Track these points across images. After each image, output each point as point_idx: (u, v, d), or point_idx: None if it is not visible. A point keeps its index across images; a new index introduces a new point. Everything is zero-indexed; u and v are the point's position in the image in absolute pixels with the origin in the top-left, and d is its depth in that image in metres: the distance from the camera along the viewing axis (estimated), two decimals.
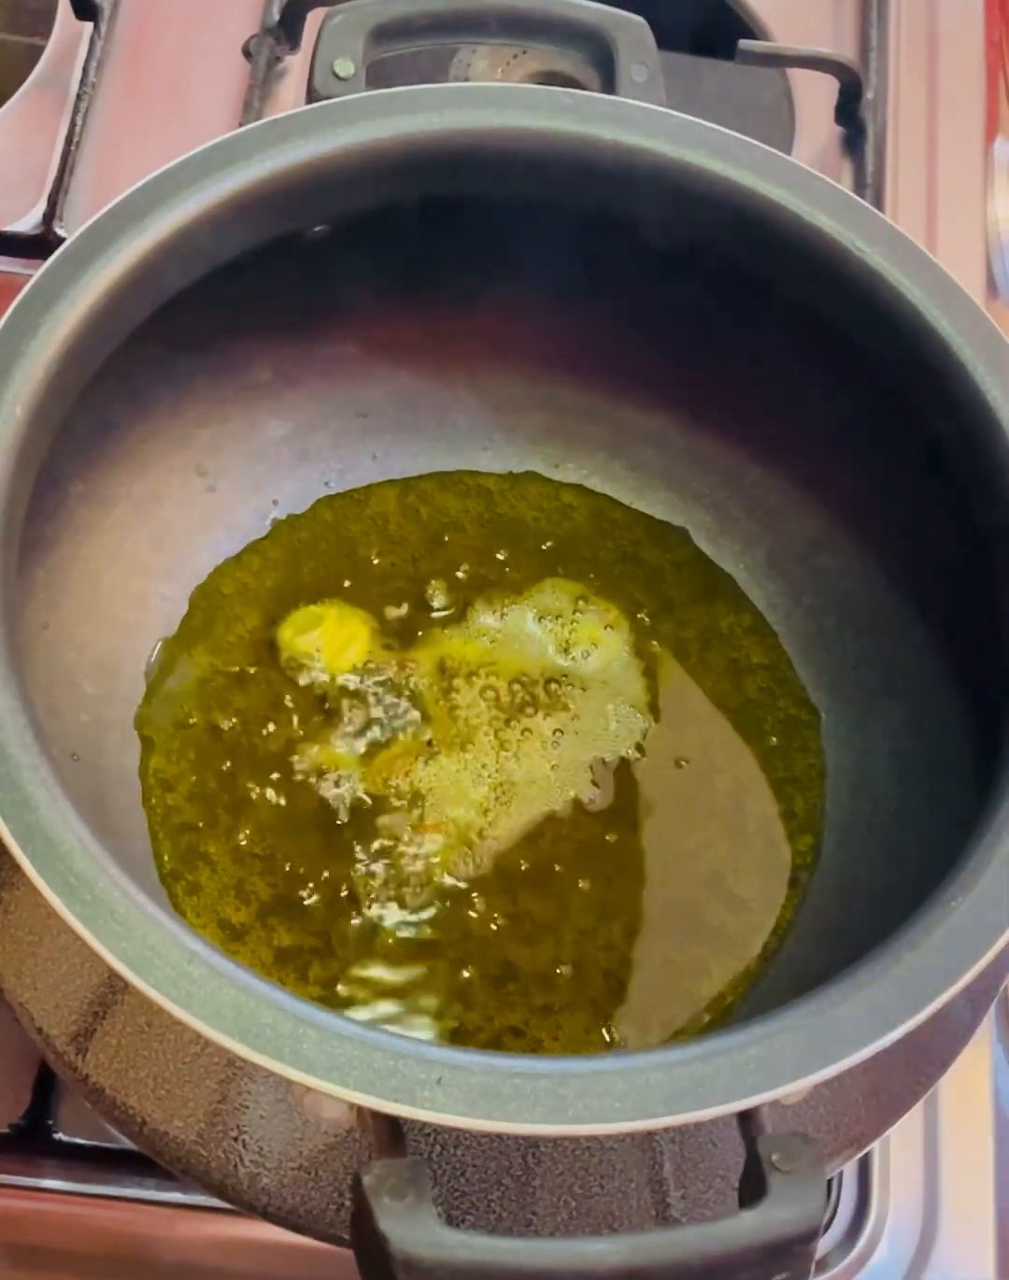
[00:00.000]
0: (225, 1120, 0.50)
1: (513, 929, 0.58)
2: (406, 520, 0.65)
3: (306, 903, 0.58)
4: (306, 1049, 0.41)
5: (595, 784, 0.61)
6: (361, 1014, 0.56)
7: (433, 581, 0.64)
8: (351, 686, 0.62)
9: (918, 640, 0.59)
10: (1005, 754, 0.48)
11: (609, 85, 0.56)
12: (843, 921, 0.57)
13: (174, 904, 0.58)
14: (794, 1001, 0.44)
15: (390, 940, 0.58)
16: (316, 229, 0.56)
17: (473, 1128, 0.41)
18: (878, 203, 0.76)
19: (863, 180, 0.77)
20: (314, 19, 0.75)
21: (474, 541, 0.65)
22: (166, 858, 0.59)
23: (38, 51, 0.77)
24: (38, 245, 0.71)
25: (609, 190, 0.55)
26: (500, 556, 0.65)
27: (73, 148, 0.74)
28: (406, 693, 0.62)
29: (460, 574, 0.64)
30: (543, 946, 0.58)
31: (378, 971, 0.57)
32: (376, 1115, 0.42)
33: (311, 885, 0.58)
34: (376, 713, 0.61)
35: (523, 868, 0.59)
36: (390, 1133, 0.42)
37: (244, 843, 0.59)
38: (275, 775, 0.60)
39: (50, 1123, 0.59)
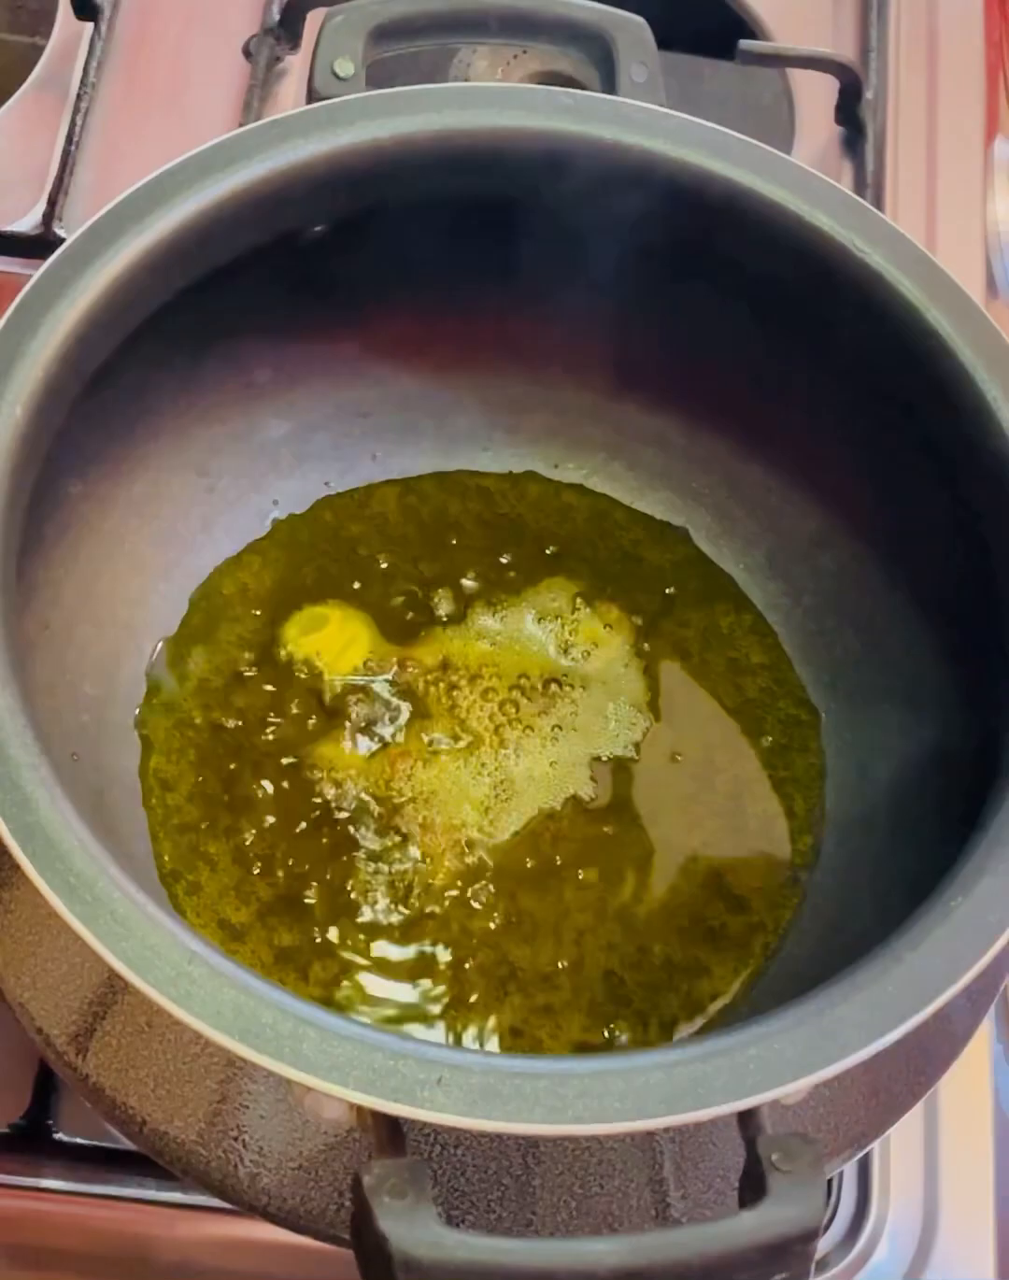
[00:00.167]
0: (225, 1120, 0.50)
1: (513, 929, 0.58)
2: (406, 520, 0.65)
3: (307, 903, 0.58)
4: (306, 1049, 0.41)
5: (595, 783, 0.61)
6: (362, 1014, 0.56)
7: (433, 582, 0.64)
8: (352, 686, 0.62)
9: (918, 640, 0.59)
10: (1005, 754, 0.48)
11: (609, 85, 0.56)
12: (843, 921, 0.57)
13: (174, 904, 0.58)
14: (794, 1001, 0.44)
15: (390, 940, 0.58)
16: (316, 229, 0.56)
17: (473, 1128, 0.41)
18: (878, 203, 0.76)
19: (863, 180, 0.77)
20: (314, 19, 0.75)
21: (474, 541, 0.65)
22: (166, 858, 0.59)
23: (38, 51, 0.77)
24: (38, 245, 0.71)
25: (609, 190, 0.55)
26: (500, 557, 0.65)
27: (73, 148, 0.74)
28: (407, 693, 0.62)
29: (460, 574, 0.64)
30: (543, 946, 0.58)
31: (378, 971, 0.57)
32: (376, 1115, 0.42)
33: (312, 885, 0.58)
34: (377, 712, 0.61)
35: (523, 867, 0.59)
36: (390, 1133, 0.42)
37: (244, 843, 0.59)
38: (276, 775, 0.60)
39: (50, 1123, 0.59)
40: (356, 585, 0.64)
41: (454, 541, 0.65)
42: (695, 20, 0.79)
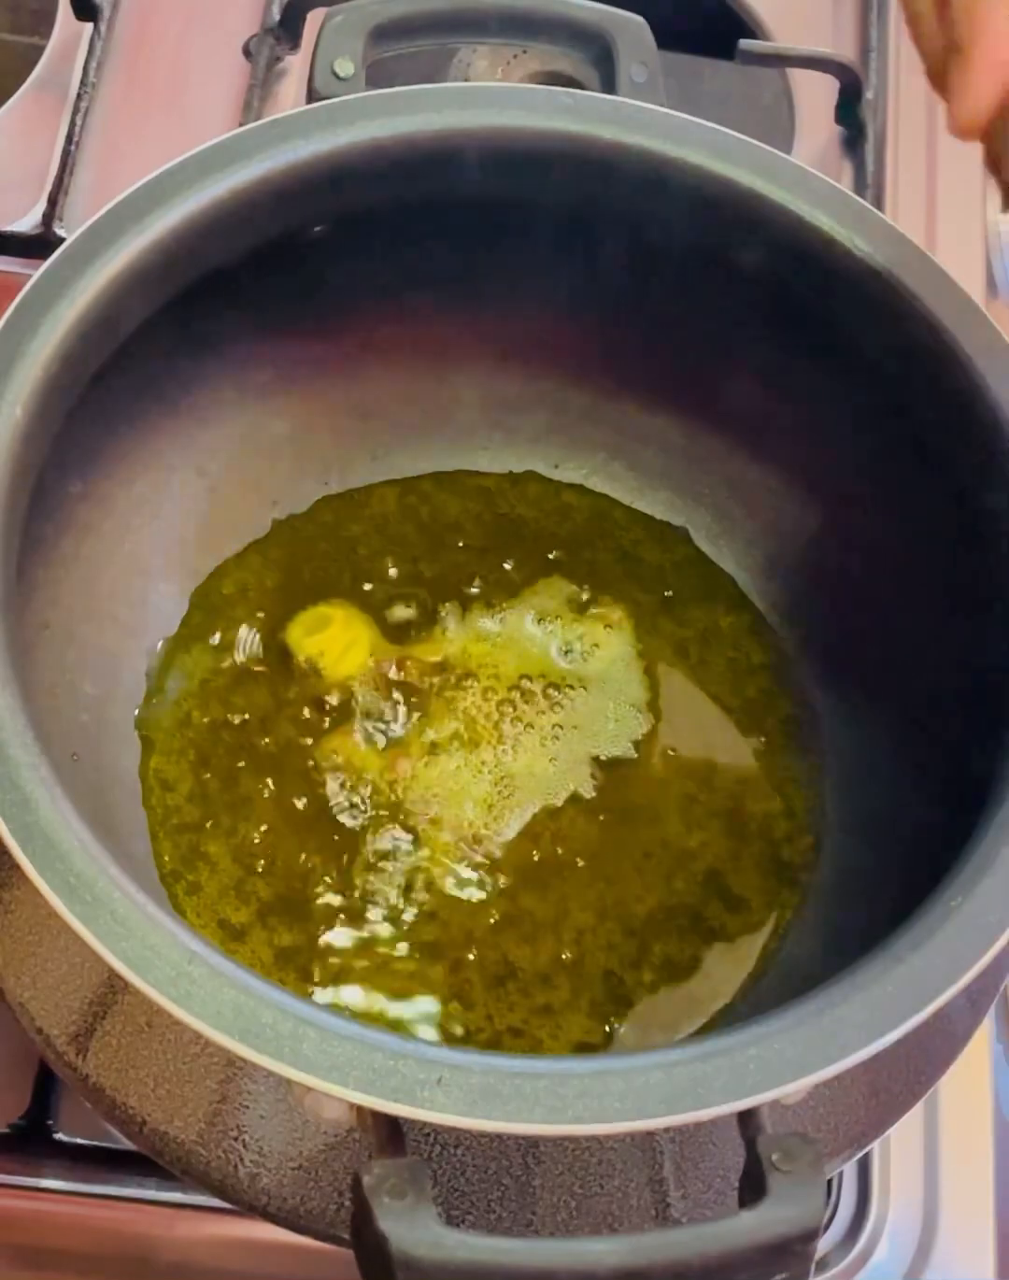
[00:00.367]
0: (225, 1120, 0.50)
1: (513, 928, 0.58)
2: (406, 520, 0.65)
3: (307, 903, 0.58)
4: (306, 1049, 0.41)
5: (596, 783, 0.61)
6: (362, 1014, 0.56)
7: (433, 582, 0.64)
8: (353, 686, 0.62)
9: (918, 640, 0.59)
10: (1005, 754, 0.48)
11: (609, 85, 0.56)
12: (843, 921, 0.57)
13: (174, 904, 0.58)
14: (794, 1001, 0.44)
15: (391, 940, 0.58)
16: (316, 229, 0.56)
17: (473, 1128, 0.41)
18: (878, 203, 0.76)
19: (863, 180, 0.77)
20: (314, 19, 0.75)
21: (474, 542, 0.65)
22: (166, 858, 0.59)
23: (38, 51, 0.77)
24: (38, 245, 0.72)
25: (609, 190, 0.55)
26: (500, 557, 0.65)
27: (73, 148, 0.74)
28: (408, 693, 0.62)
29: (461, 574, 0.64)
30: (543, 946, 0.58)
31: (378, 971, 0.57)
32: (376, 1115, 0.42)
33: (312, 885, 0.58)
34: (378, 712, 0.61)
35: (523, 867, 0.59)
36: (390, 1133, 0.42)
37: (244, 843, 0.59)
38: (276, 775, 0.60)
39: (50, 1123, 0.59)
40: (357, 585, 0.64)
41: (454, 542, 0.65)
42: (695, 20, 0.79)
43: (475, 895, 0.59)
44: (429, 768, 0.61)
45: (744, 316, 0.59)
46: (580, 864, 0.60)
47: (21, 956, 0.52)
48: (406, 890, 0.59)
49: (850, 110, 0.78)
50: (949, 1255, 0.59)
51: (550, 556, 0.65)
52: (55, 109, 0.75)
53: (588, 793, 0.61)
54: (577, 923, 0.59)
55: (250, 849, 0.59)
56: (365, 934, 0.58)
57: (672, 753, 0.62)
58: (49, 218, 0.73)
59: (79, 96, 0.75)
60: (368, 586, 0.64)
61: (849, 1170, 0.60)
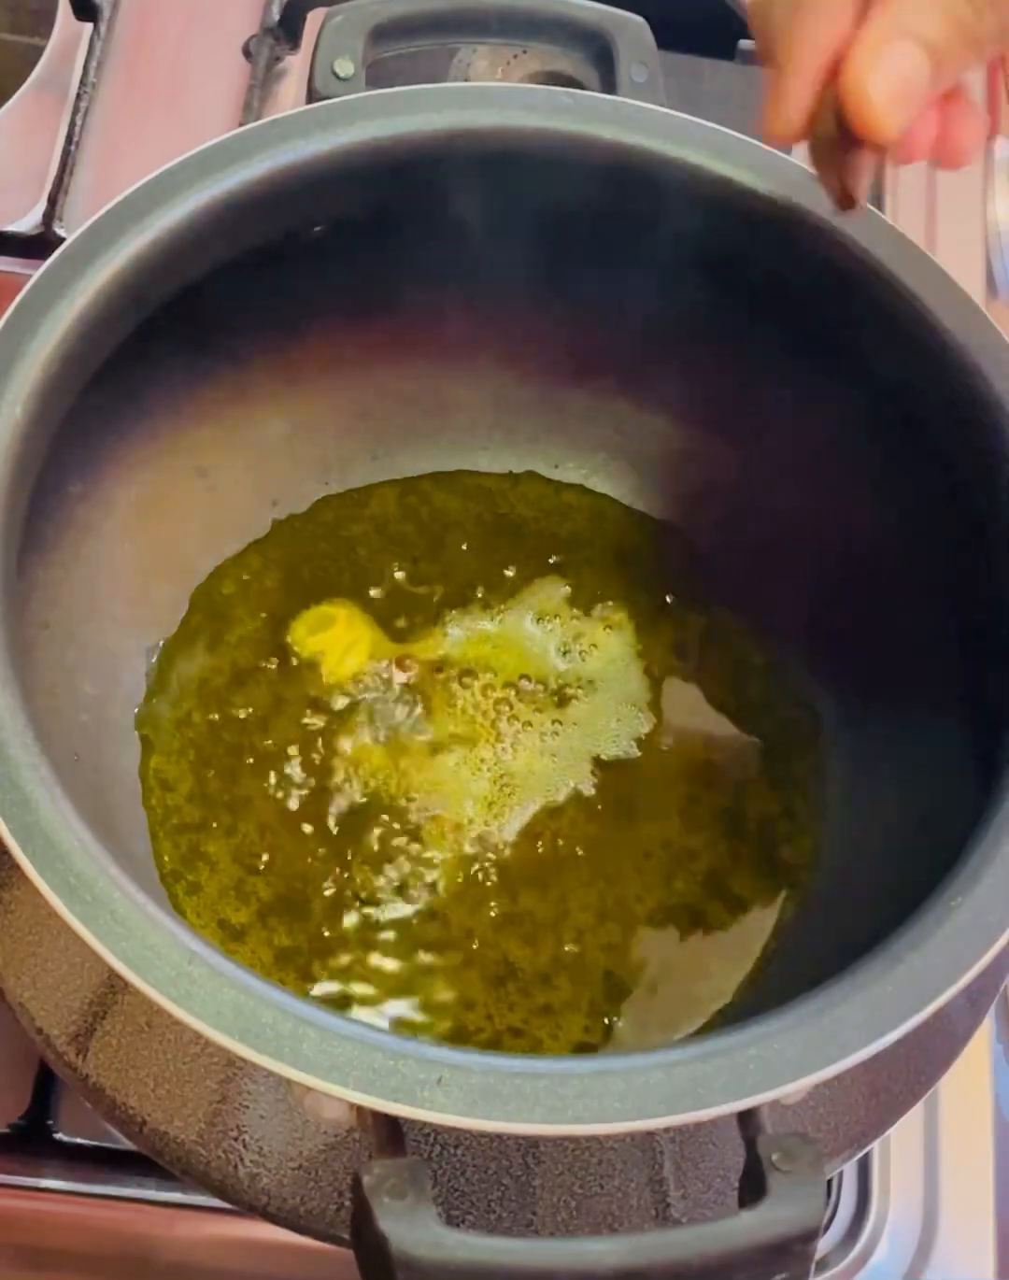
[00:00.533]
0: (225, 1120, 0.50)
1: (513, 928, 0.58)
2: (406, 520, 0.65)
3: (307, 902, 0.58)
4: (306, 1049, 0.41)
5: (596, 784, 0.61)
6: (362, 1014, 0.56)
7: (433, 582, 0.64)
8: (353, 686, 0.62)
9: (919, 641, 0.59)
10: (1006, 755, 0.48)
11: (609, 85, 0.56)
12: (843, 921, 0.57)
13: (174, 904, 0.58)
14: (794, 1001, 0.44)
15: (391, 940, 0.58)
16: (316, 229, 0.56)
17: (473, 1128, 0.41)
18: (878, 203, 0.76)
19: None
20: (314, 19, 0.75)
21: (474, 542, 0.65)
22: (166, 858, 0.59)
23: (38, 51, 0.77)
24: (38, 245, 0.72)
25: (609, 190, 0.55)
26: (500, 557, 0.65)
27: (73, 148, 0.74)
28: (407, 693, 0.62)
29: (461, 574, 0.64)
30: (543, 946, 0.58)
31: (378, 971, 0.57)
32: (377, 1115, 0.42)
33: (312, 885, 0.58)
34: (378, 712, 0.61)
35: (523, 867, 0.59)
36: (390, 1133, 0.42)
37: (244, 843, 0.59)
38: (276, 775, 0.60)
39: (50, 1123, 0.59)
40: (357, 585, 0.64)
41: (454, 542, 0.65)
42: (695, 20, 0.79)
43: (475, 895, 0.59)
44: (429, 767, 0.61)
45: (744, 317, 0.59)
46: (580, 864, 0.60)
47: (21, 956, 0.52)
48: (406, 890, 0.59)
49: None
50: (949, 1255, 0.59)
51: (550, 558, 0.65)
52: (55, 109, 0.75)
53: (588, 793, 0.61)
54: (576, 922, 0.59)
55: (250, 849, 0.59)
56: (365, 934, 0.58)
57: (672, 753, 0.62)
58: (49, 218, 0.73)
59: (79, 96, 0.76)
60: (368, 586, 0.64)
61: (849, 1170, 0.60)
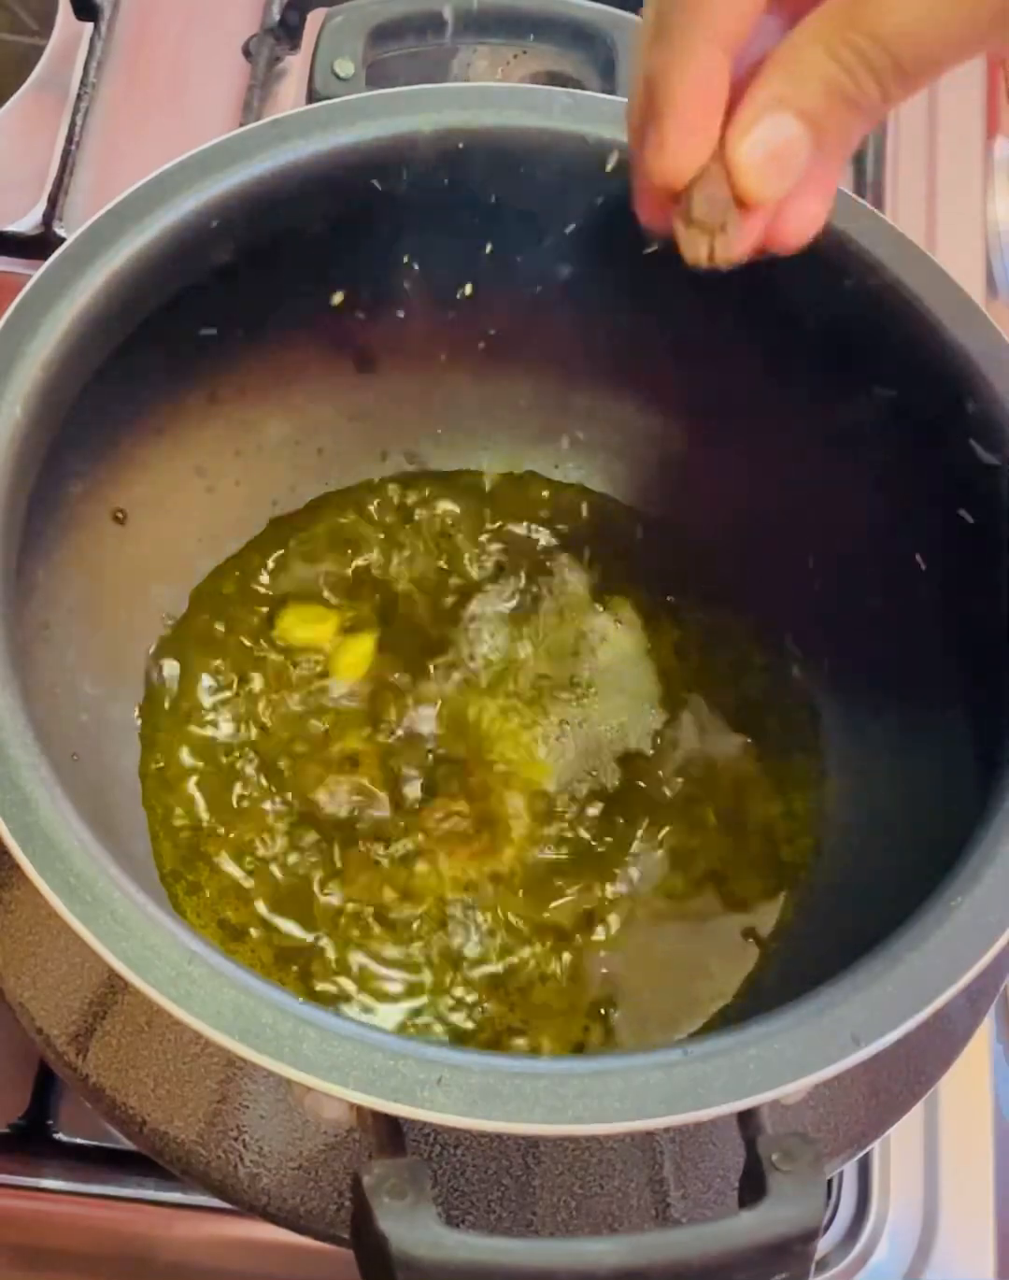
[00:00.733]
0: (225, 1120, 0.50)
1: (513, 928, 0.58)
2: (407, 520, 0.65)
3: (307, 902, 0.58)
4: (306, 1049, 0.41)
5: (597, 783, 0.61)
6: (362, 1014, 0.56)
7: (433, 582, 0.64)
8: (353, 685, 0.62)
9: (919, 640, 0.59)
10: (1006, 755, 0.48)
11: (609, 85, 0.56)
12: (843, 921, 0.57)
13: (174, 904, 0.58)
14: (794, 1001, 0.44)
15: (390, 940, 0.58)
16: (316, 229, 0.56)
17: (473, 1128, 0.41)
18: (878, 203, 0.76)
19: (863, 180, 0.77)
20: (314, 19, 0.75)
21: (474, 542, 0.65)
22: (166, 858, 0.59)
23: (38, 51, 0.77)
24: (38, 245, 0.72)
25: (609, 190, 0.55)
26: (500, 557, 0.65)
27: (73, 148, 0.74)
28: (407, 693, 0.62)
29: (460, 574, 0.64)
30: (543, 945, 0.58)
31: (378, 971, 0.57)
32: (377, 1115, 0.42)
33: (312, 885, 0.58)
34: (378, 711, 0.61)
35: (523, 866, 0.59)
36: (390, 1133, 0.42)
37: (244, 843, 0.59)
38: (276, 774, 0.60)
39: (50, 1123, 0.59)
40: (357, 585, 0.64)
41: (454, 541, 0.65)
42: None
43: (475, 894, 0.59)
44: (429, 766, 0.61)
45: (744, 318, 0.59)
46: (580, 863, 0.60)
47: (21, 956, 0.52)
48: (407, 889, 0.58)
49: None
50: (949, 1255, 0.59)
51: (550, 558, 0.65)
52: (55, 109, 0.75)
53: (590, 791, 0.61)
54: (577, 921, 0.59)
55: (250, 849, 0.59)
56: (366, 933, 0.58)
57: (672, 753, 0.62)
58: (49, 218, 0.73)
59: (79, 96, 0.76)
60: (368, 586, 0.64)
61: (849, 1170, 0.60)
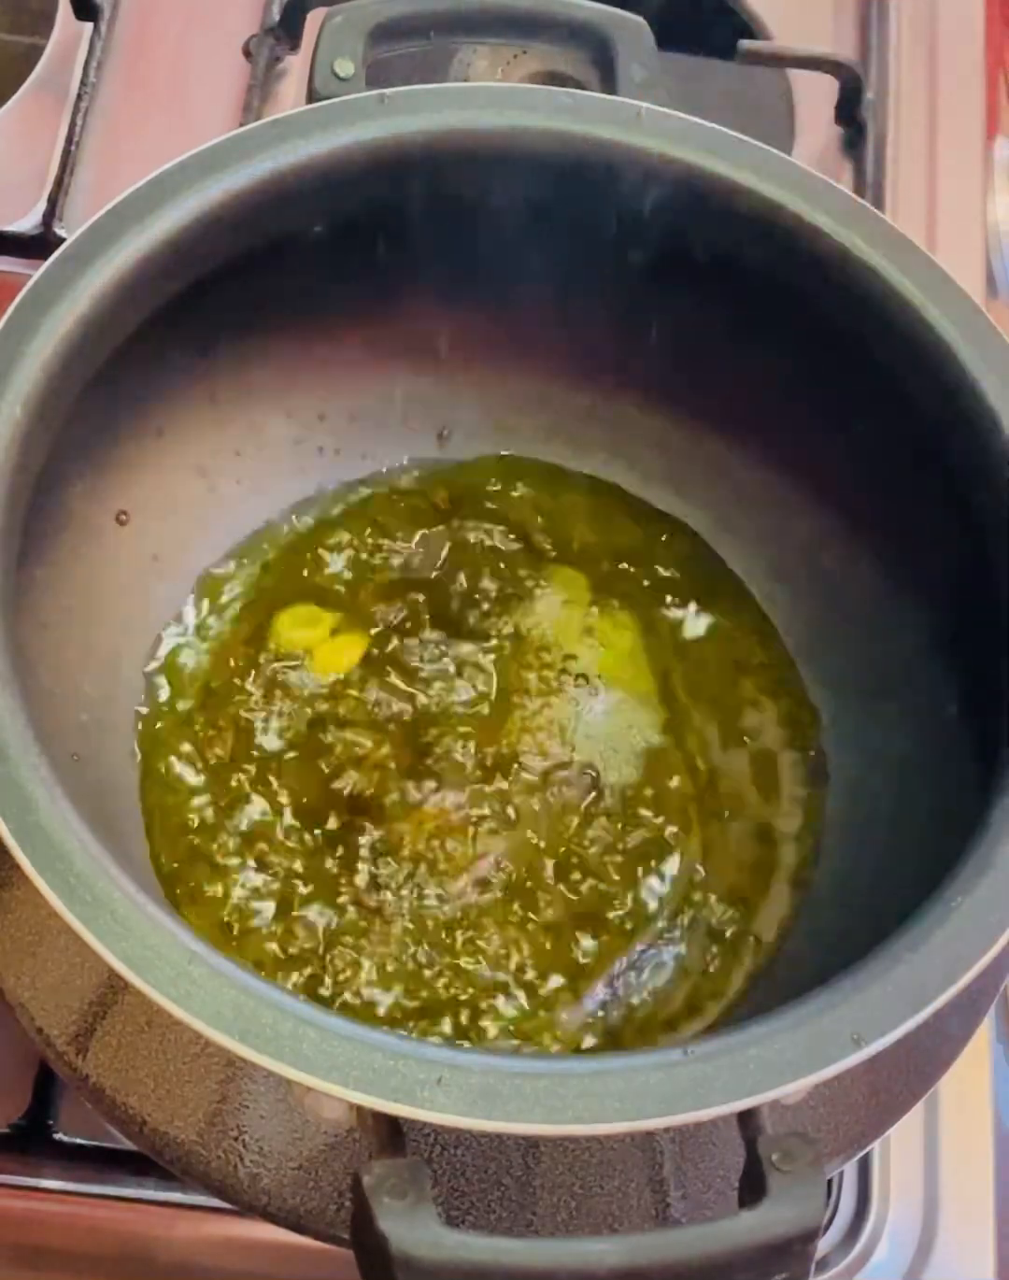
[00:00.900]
0: (225, 1120, 0.50)
1: (513, 926, 0.58)
2: (407, 520, 0.65)
3: (307, 902, 0.58)
4: (306, 1049, 0.41)
5: (597, 783, 0.61)
6: (361, 1014, 0.56)
7: (433, 582, 0.64)
8: (352, 685, 0.62)
9: (918, 640, 0.59)
10: (1005, 754, 0.48)
11: (609, 85, 0.56)
12: (843, 921, 0.57)
13: (174, 904, 0.58)
14: (794, 1001, 0.44)
15: (390, 938, 0.58)
16: (316, 229, 0.56)
17: (473, 1128, 0.41)
18: (878, 203, 0.76)
19: (863, 180, 0.77)
20: (314, 19, 0.75)
21: (474, 541, 0.65)
22: (166, 858, 0.59)
23: (38, 51, 0.77)
24: (38, 245, 0.72)
25: (609, 190, 0.55)
26: (500, 557, 0.65)
27: (73, 148, 0.74)
28: (406, 693, 0.62)
29: (460, 575, 0.64)
30: (544, 944, 0.58)
31: (379, 971, 0.57)
32: (376, 1115, 0.42)
33: (312, 885, 0.58)
34: (376, 712, 0.61)
35: (523, 866, 0.59)
36: (390, 1133, 0.42)
37: (245, 842, 0.59)
38: (275, 774, 0.60)
39: (50, 1123, 0.59)
40: (356, 584, 0.64)
41: (455, 541, 0.65)
42: (695, 20, 0.79)
43: (476, 893, 0.59)
44: (431, 765, 0.61)
45: (744, 317, 0.59)
46: (580, 863, 0.60)
47: (21, 956, 0.52)
48: (407, 888, 0.58)
49: (850, 110, 0.78)
50: (949, 1255, 0.59)
51: (550, 556, 0.65)
52: (55, 109, 0.75)
53: (589, 791, 0.61)
54: (578, 921, 0.59)
55: (251, 849, 0.59)
56: (366, 933, 0.58)
57: (672, 752, 0.62)
58: (49, 218, 0.73)
59: (79, 96, 0.75)
60: (367, 587, 0.64)
61: (849, 1170, 0.60)
